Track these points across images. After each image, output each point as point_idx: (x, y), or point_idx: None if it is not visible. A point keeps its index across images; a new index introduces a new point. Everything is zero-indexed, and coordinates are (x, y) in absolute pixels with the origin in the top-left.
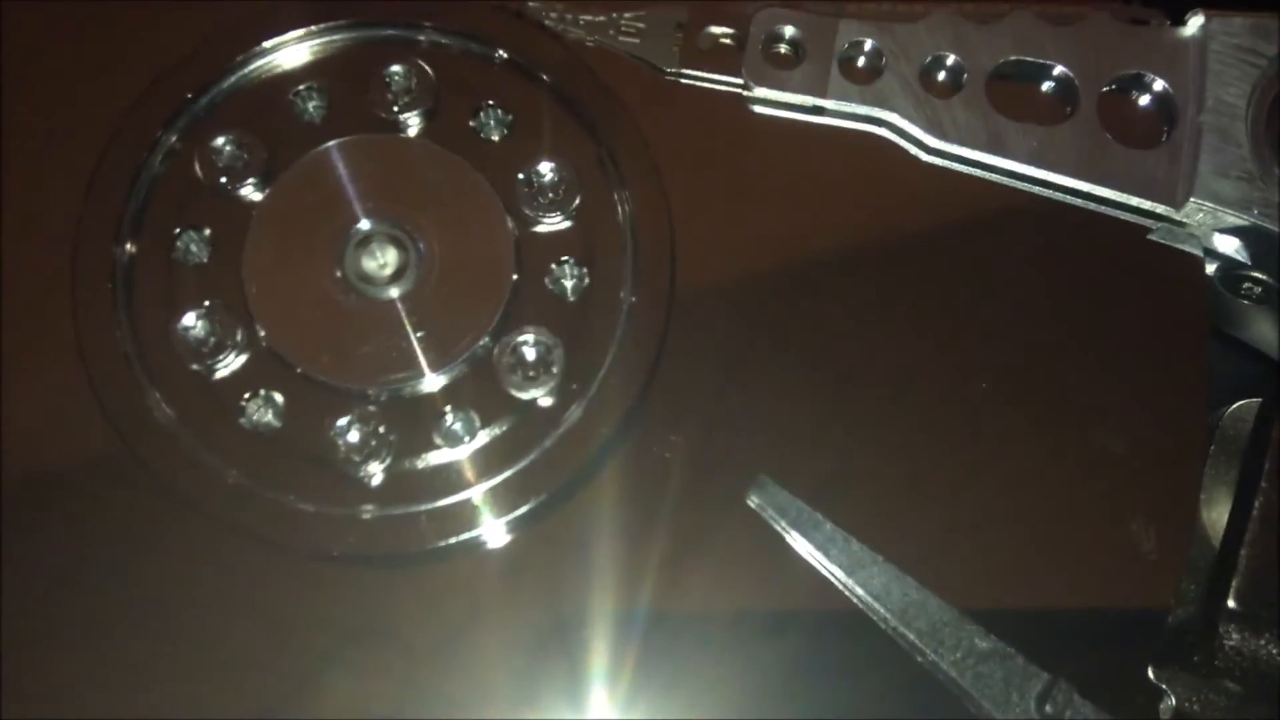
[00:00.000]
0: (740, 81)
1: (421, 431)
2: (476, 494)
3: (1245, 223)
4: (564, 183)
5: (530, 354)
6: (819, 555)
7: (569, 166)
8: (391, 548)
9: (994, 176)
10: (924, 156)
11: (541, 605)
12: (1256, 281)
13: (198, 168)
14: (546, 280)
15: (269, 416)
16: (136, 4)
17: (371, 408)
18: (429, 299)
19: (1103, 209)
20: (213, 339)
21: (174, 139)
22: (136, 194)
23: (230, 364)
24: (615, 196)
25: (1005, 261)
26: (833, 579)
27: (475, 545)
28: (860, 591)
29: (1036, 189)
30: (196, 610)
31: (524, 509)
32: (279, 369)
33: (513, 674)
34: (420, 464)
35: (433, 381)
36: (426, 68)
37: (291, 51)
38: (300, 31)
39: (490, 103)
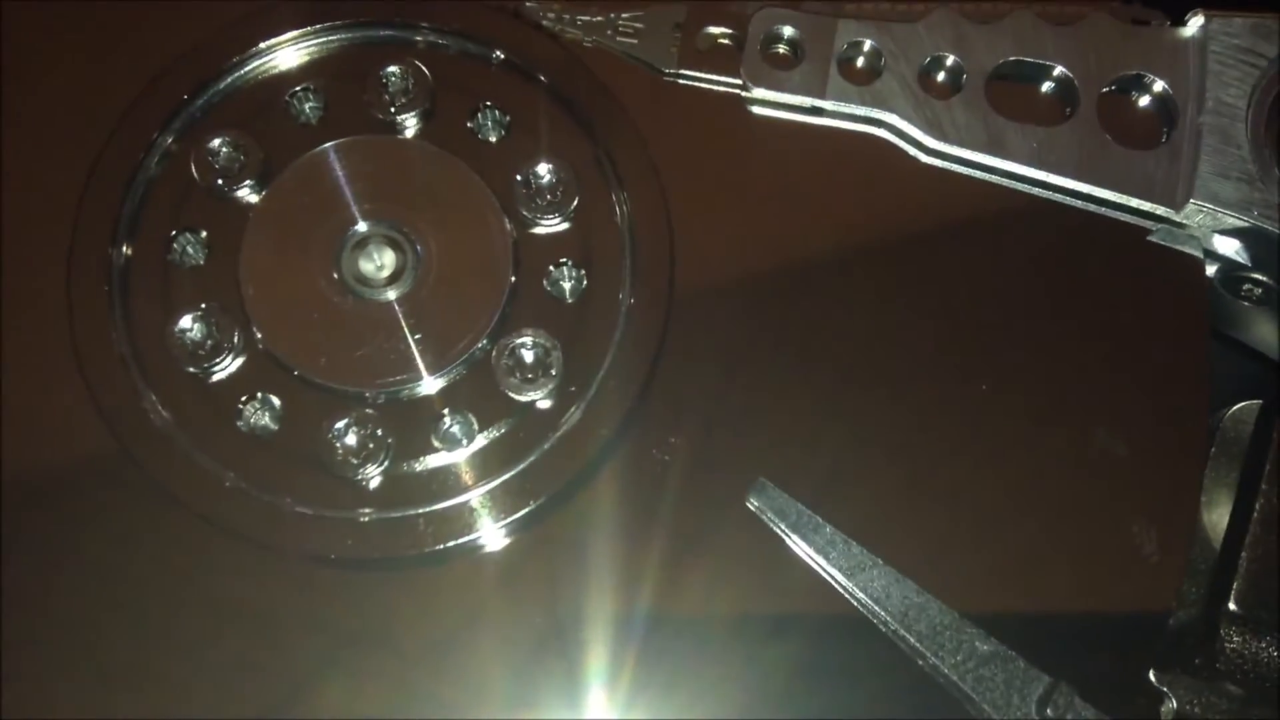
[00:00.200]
0: (739, 82)
1: (419, 434)
2: (475, 497)
3: (1245, 224)
4: (562, 184)
5: (528, 356)
6: (819, 558)
7: (567, 167)
8: (389, 551)
9: (993, 178)
10: (923, 157)
11: (541, 608)
12: (1256, 283)
13: (194, 169)
14: (545, 282)
15: (266, 419)
16: (133, 5)
17: (369, 410)
18: (426, 301)
19: (1102, 210)
20: (210, 341)
21: (170, 141)
22: (132, 196)
23: (227, 366)
24: (613, 198)
25: (1005, 263)
26: (833, 582)
27: (474, 548)
28: (860, 594)
29: (1036, 190)
30: (194, 613)
31: (523, 511)
32: (276, 372)
33: (512, 677)
34: (418, 467)
35: (430, 384)
36: (423, 68)
37: (288, 53)
38: (296, 32)
39: (488, 103)
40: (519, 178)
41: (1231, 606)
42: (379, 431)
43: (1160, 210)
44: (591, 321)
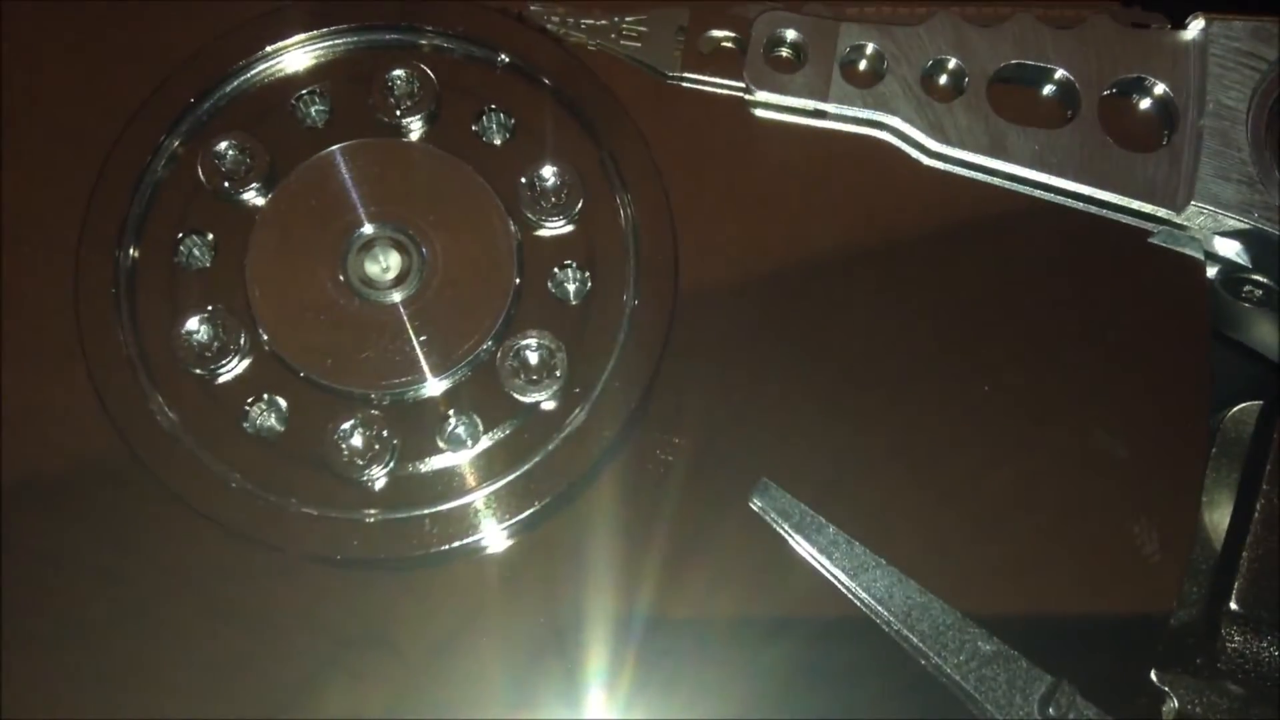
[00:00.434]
0: (742, 85)
1: (424, 435)
2: (479, 498)
3: (1246, 226)
4: (566, 186)
5: (533, 358)
6: (822, 558)
7: (571, 170)
8: (394, 552)
9: (995, 180)
10: (925, 160)
11: (544, 609)
12: (1257, 284)
13: (200, 172)
14: (549, 284)
15: (272, 421)
16: (139, 8)
17: (374, 412)
18: (431, 303)
19: (1104, 212)
20: (216, 343)
21: (177, 144)
22: (139, 199)
23: (233, 368)
24: (617, 200)
25: (1006, 265)
26: (835, 582)
27: (479, 549)
28: (863, 595)
29: (1037, 192)
30: (198, 613)
31: (527, 512)
32: (282, 373)
33: (516, 677)
34: (423, 468)
35: (435, 386)
36: (429, 72)
37: (294, 56)
38: (302, 36)
39: (492, 107)
40: (523, 180)
41: (1233, 606)
42: (384, 433)
43: (1161, 212)
44: (595, 323)
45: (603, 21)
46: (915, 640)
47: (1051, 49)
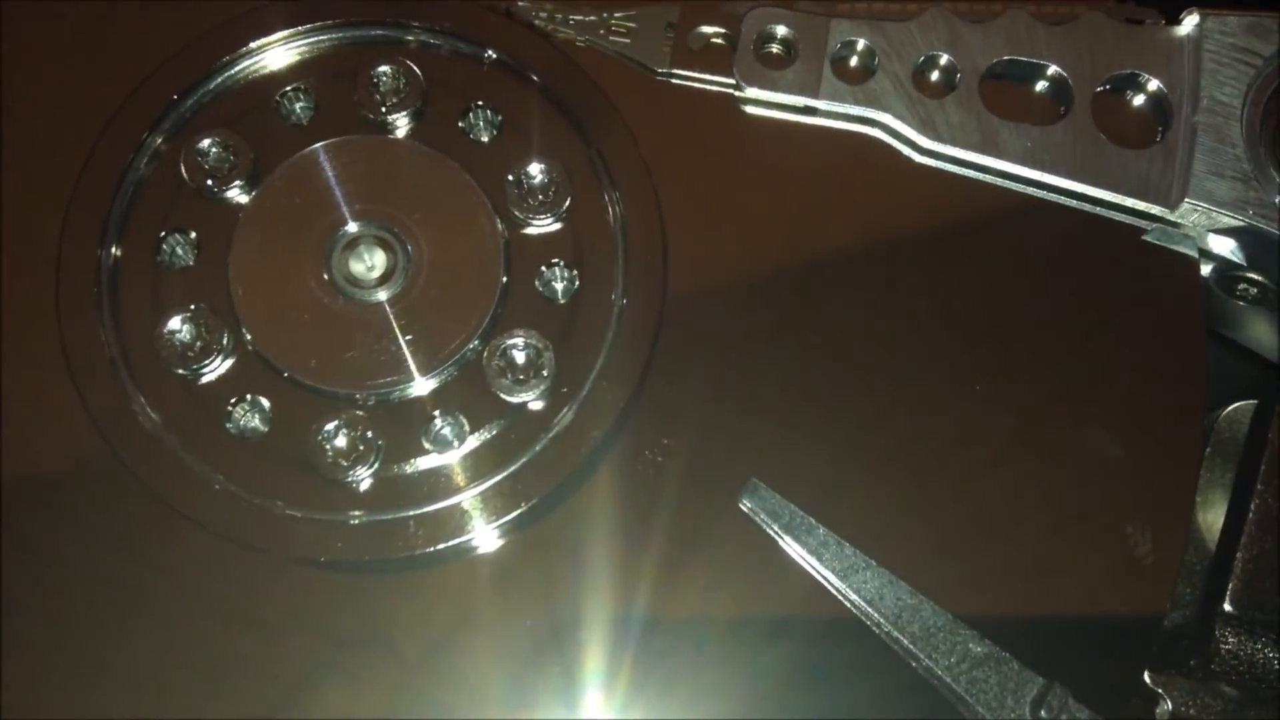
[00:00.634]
0: (732, 82)
1: (410, 436)
2: (466, 499)
3: (1240, 223)
4: (554, 184)
5: (520, 357)
6: (812, 560)
7: (559, 168)
8: (380, 553)
9: (987, 177)
10: (917, 157)
11: (533, 611)
12: (1252, 282)
13: (183, 170)
14: (536, 282)
15: (256, 421)
16: (122, 6)
17: (359, 412)
18: (417, 302)
19: (1097, 210)
20: (199, 343)
21: (159, 141)
22: (121, 196)
23: (216, 368)
24: (606, 198)
25: (998, 263)
26: (826, 584)
27: (465, 550)
28: (854, 596)
29: (1030, 190)
30: (183, 616)
31: (514, 513)
32: (266, 373)
33: (504, 680)
34: (409, 469)
35: (422, 385)
36: (415, 68)
37: (278, 52)
38: (286, 32)
39: (479, 103)
40: (511, 178)
41: (1226, 607)
42: (369, 433)
43: (1155, 209)
44: (583, 322)
45: (591, 18)
46: (906, 642)
47: (1044, 45)
